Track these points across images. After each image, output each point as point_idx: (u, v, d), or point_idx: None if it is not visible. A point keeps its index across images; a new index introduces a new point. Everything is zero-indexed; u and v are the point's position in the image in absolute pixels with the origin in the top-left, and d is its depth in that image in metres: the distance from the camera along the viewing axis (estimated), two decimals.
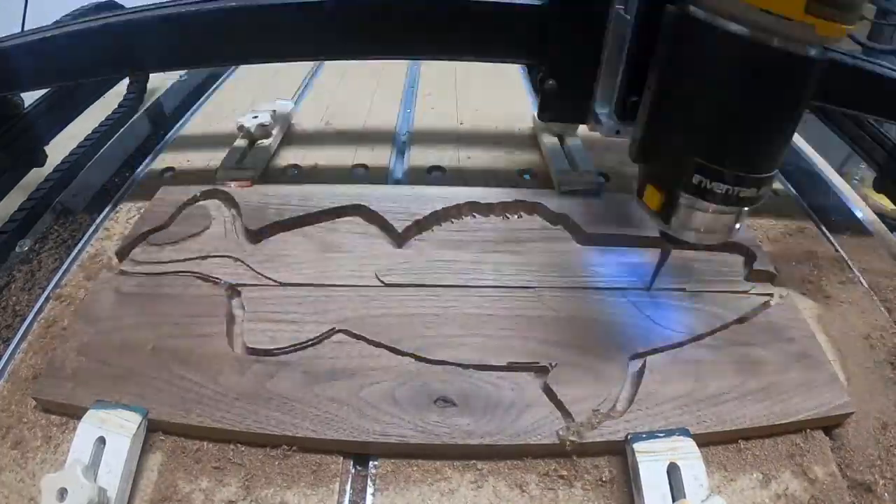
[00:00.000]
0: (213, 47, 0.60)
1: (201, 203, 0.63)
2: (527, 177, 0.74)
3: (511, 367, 0.47)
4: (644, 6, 0.44)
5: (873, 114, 0.67)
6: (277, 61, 0.65)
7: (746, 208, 0.41)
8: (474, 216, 0.62)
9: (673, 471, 0.40)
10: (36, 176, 0.73)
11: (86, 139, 0.80)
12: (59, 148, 0.77)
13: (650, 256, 0.58)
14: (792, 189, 0.77)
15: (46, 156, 0.75)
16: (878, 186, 0.78)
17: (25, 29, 0.69)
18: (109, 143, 0.82)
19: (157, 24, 0.57)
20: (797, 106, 0.38)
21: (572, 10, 0.51)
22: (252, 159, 0.71)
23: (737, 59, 0.36)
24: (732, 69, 0.36)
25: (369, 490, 0.41)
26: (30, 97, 0.73)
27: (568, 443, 0.42)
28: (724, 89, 0.37)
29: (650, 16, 0.43)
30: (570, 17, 0.51)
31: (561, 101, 0.55)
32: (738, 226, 0.42)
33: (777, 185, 0.77)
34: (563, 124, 0.76)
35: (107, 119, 0.85)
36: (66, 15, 0.72)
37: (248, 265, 0.56)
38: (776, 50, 0.34)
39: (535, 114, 0.56)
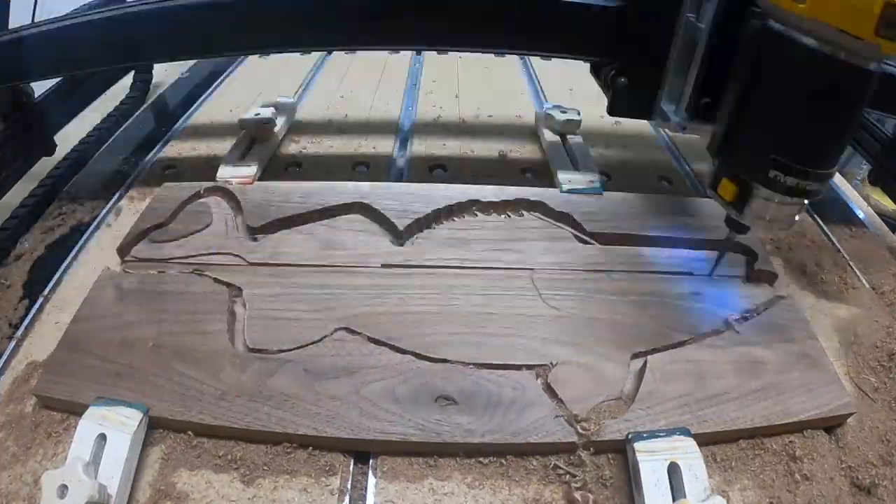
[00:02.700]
0: (222, 37, 0.60)
1: (203, 200, 0.63)
2: (528, 175, 0.74)
3: (512, 366, 0.47)
4: (720, 18, 0.49)
5: (870, 107, 0.67)
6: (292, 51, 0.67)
7: (807, 201, 0.46)
8: (476, 214, 0.62)
9: (673, 470, 0.40)
10: (45, 165, 0.73)
11: (93, 130, 0.80)
12: (67, 139, 0.77)
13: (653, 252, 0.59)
14: None
15: (56, 145, 0.75)
16: (873, 179, 0.78)
17: (36, 20, 0.70)
18: (114, 136, 0.82)
19: (166, 15, 0.57)
20: (856, 111, 0.43)
21: (645, 13, 0.56)
22: (254, 156, 0.71)
23: (810, 69, 0.41)
24: (805, 77, 0.41)
25: (370, 488, 0.41)
26: (38, 90, 0.74)
27: (569, 442, 0.43)
28: (798, 94, 0.42)
29: (726, 26, 0.49)
30: (643, 20, 0.56)
31: (630, 98, 0.60)
32: (797, 217, 0.47)
33: None
34: (565, 122, 0.76)
35: (112, 112, 0.85)
36: (78, 8, 0.72)
37: (249, 262, 0.56)
38: (844, 62, 0.39)
39: (607, 110, 0.62)
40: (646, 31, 0.56)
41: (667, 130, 0.88)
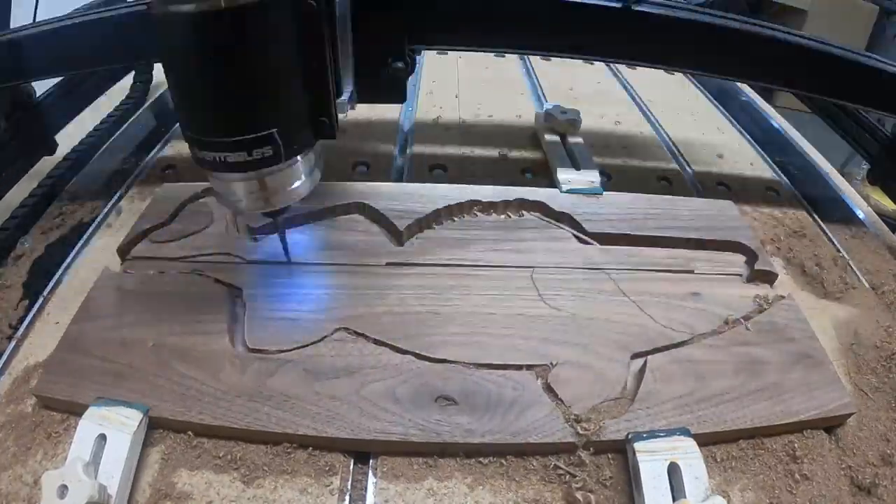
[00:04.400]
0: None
1: (202, 200, 0.63)
2: (528, 175, 0.74)
3: (512, 366, 0.47)
4: None
5: (871, 107, 0.67)
6: None
7: (270, 170, 0.41)
8: (476, 215, 0.62)
9: (673, 470, 0.40)
10: (46, 165, 0.73)
11: (93, 130, 0.80)
12: (67, 139, 0.77)
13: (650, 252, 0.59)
14: (793, 189, 0.77)
15: (57, 144, 0.75)
16: (872, 179, 0.78)
17: (37, 20, 0.70)
18: (114, 136, 0.82)
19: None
20: (208, 64, 0.36)
21: None
22: None
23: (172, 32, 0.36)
24: (168, 42, 0.37)
25: (370, 488, 0.41)
26: (39, 89, 0.74)
27: (569, 442, 0.43)
28: (167, 61, 0.38)
29: None
30: None
31: None
32: (291, 187, 0.43)
33: (778, 185, 0.77)
34: (566, 122, 0.76)
35: (112, 112, 0.85)
36: (79, 7, 0.72)
37: (249, 263, 0.56)
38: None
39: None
40: None
41: (666, 131, 0.88)
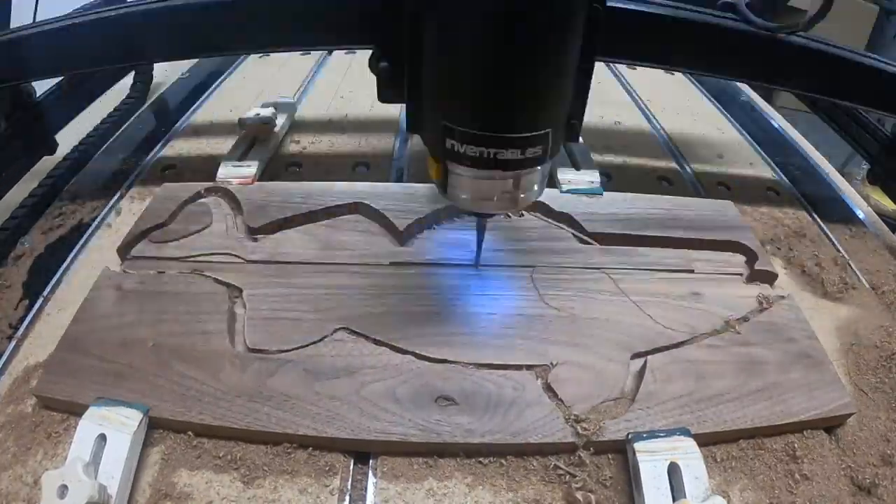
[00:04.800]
0: (222, 37, 0.60)
1: (202, 200, 0.63)
2: None
3: (512, 366, 0.47)
4: None
5: (871, 107, 0.67)
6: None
7: (527, 171, 0.38)
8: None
9: (673, 470, 0.40)
10: (46, 164, 0.73)
11: (93, 130, 0.80)
12: (67, 139, 0.77)
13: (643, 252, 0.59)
14: (793, 189, 0.77)
15: (57, 144, 0.75)
16: (872, 179, 0.79)
17: (37, 20, 0.70)
18: (114, 136, 0.82)
19: (166, 15, 0.58)
20: (541, 55, 0.34)
21: None
22: (254, 156, 0.71)
23: (464, 9, 0.33)
24: (461, 21, 0.33)
25: (370, 488, 0.41)
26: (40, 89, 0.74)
27: (569, 442, 0.43)
28: (456, 45, 0.34)
29: None
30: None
31: (397, 82, 0.48)
32: (529, 192, 0.40)
33: (778, 185, 0.77)
34: None
35: (112, 112, 0.85)
36: (79, 7, 0.73)
37: (249, 262, 0.56)
38: None
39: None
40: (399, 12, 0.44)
41: (667, 131, 0.88)
